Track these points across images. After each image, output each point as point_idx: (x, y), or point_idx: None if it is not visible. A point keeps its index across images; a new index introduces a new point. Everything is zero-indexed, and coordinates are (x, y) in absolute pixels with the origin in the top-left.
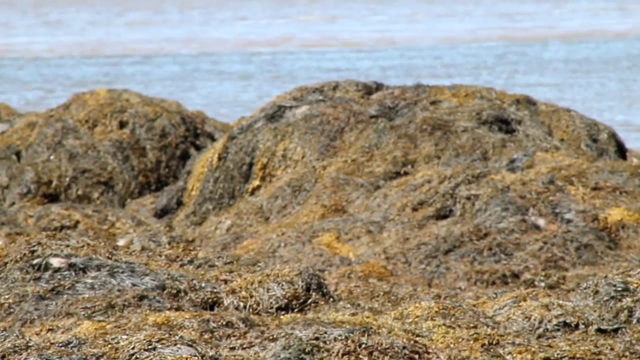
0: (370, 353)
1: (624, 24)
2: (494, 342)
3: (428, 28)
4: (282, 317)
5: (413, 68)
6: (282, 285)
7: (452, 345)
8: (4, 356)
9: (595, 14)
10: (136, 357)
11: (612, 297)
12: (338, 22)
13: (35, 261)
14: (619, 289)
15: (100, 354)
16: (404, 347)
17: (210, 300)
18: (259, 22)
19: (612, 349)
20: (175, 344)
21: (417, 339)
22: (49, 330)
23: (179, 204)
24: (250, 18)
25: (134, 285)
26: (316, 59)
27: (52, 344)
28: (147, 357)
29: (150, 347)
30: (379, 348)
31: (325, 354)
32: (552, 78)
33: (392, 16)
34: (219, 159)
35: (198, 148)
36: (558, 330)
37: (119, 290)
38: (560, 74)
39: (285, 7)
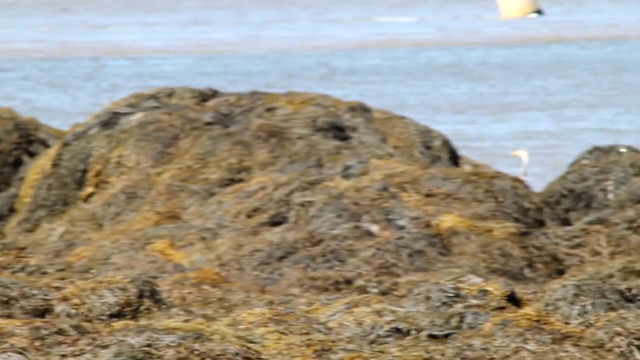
0: (203, 359)
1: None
2: (326, 348)
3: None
4: (114, 324)
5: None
6: (115, 292)
7: (284, 352)
8: None
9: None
10: None
11: (444, 303)
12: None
13: None
14: (451, 295)
15: None
16: (237, 354)
17: (41, 308)
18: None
19: (443, 355)
20: (5, 352)
21: (250, 345)
22: None
23: (11, 211)
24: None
25: None
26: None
27: None
28: None
29: None
30: (211, 354)
31: None
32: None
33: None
34: (53, 165)
35: (32, 155)
36: (390, 336)
37: None
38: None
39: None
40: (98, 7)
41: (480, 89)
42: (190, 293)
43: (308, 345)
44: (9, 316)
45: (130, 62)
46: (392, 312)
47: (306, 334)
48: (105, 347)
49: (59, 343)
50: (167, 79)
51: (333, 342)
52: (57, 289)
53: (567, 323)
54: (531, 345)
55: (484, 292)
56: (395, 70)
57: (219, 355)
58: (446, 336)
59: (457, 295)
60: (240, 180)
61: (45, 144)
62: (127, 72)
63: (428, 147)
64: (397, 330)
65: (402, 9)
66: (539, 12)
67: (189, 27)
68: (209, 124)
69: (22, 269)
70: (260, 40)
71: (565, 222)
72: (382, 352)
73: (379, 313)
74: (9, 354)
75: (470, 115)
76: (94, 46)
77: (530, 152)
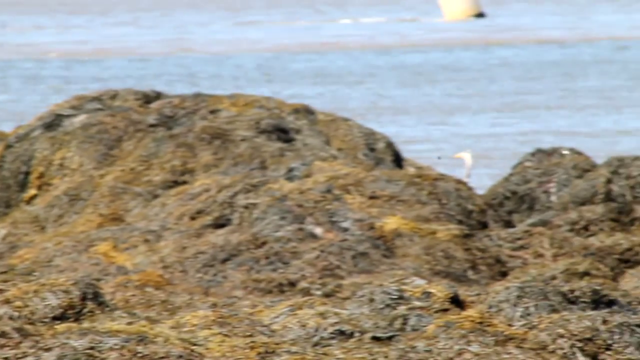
0: None
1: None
2: (270, 351)
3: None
4: (57, 326)
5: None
6: (58, 294)
7: (228, 354)
8: None
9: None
10: None
11: (387, 305)
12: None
13: None
14: (394, 297)
15: None
16: (180, 356)
17: None
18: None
19: (386, 357)
20: None
21: (194, 347)
22: None
23: None
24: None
25: None
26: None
27: None
28: None
29: None
30: (155, 357)
31: None
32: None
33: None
34: None
35: None
36: (334, 338)
37: None
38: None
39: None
40: (22, 10)
41: (422, 91)
42: (133, 295)
43: (252, 348)
44: None
45: (68, 64)
46: (336, 314)
47: (250, 336)
48: (48, 349)
49: (2, 346)
50: (105, 82)
51: (277, 344)
52: (0, 291)
53: (510, 325)
54: (474, 347)
55: (428, 294)
56: (335, 73)
57: (162, 357)
58: (390, 338)
59: (400, 298)
60: (184, 183)
61: None
62: (66, 74)
63: (372, 150)
64: (341, 333)
65: (336, 13)
66: (480, 14)
67: (118, 28)
68: (152, 126)
69: None
70: (192, 43)
71: (508, 224)
72: (325, 354)
73: (322, 315)
74: None
75: (411, 118)
76: (28, 49)
77: (472, 154)
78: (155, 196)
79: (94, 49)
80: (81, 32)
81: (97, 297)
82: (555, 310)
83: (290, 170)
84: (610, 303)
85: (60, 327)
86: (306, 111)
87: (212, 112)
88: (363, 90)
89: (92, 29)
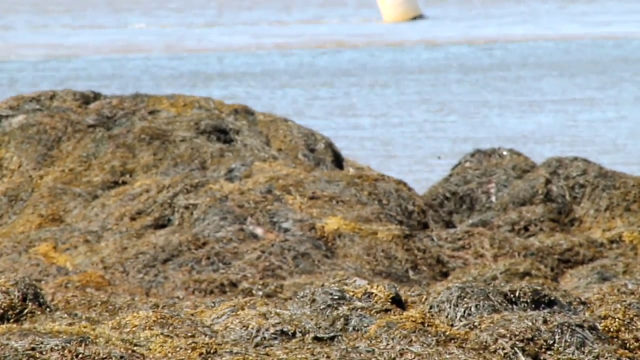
0: None
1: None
2: (212, 351)
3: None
4: None
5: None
6: None
7: (170, 355)
8: None
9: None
10: None
11: (329, 306)
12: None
13: None
14: (336, 297)
15: None
16: (122, 357)
17: None
18: None
19: (328, 357)
20: None
21: (135, 348)
22: None
23: None
24: None
25: None
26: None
27: None
28: None
29: None
30: (96, 358)
31: None
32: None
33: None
34: None
35: None
36: (275, 338)
37: None
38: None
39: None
40: None
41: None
42: (74, 296)
43: (194, 349)
44: None
45: None
46: (278, 315)
47: (192, 337)
48: None
49: None
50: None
51: (219, 345)
52: None
53: (451, 325)
54: (416, 348)
55: (369, 295)
56: (261, 74)
57: (104, 358)
58: (332, 339)
59: (342, 298)
60: (124, 183)
61: None
62: None
63: (312, 150)
64: (283, 333)
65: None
66: (420, 17)
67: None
68: (91, 126)
69: None
70: (101, 45)
71: (449, 225)
72: (267, 355)
73: (264, 316)
74: None
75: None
76: None
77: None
78: (95, 197)
79: None
80: None
81: (37, 298)
82: (496, 311)
83: (231, 171)
84: (551, 303)
85: (1, 328)
86: (246, 112)
87: (152, 112)
88: (293, 92)
89: None
